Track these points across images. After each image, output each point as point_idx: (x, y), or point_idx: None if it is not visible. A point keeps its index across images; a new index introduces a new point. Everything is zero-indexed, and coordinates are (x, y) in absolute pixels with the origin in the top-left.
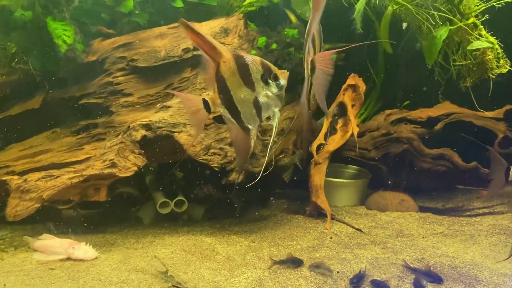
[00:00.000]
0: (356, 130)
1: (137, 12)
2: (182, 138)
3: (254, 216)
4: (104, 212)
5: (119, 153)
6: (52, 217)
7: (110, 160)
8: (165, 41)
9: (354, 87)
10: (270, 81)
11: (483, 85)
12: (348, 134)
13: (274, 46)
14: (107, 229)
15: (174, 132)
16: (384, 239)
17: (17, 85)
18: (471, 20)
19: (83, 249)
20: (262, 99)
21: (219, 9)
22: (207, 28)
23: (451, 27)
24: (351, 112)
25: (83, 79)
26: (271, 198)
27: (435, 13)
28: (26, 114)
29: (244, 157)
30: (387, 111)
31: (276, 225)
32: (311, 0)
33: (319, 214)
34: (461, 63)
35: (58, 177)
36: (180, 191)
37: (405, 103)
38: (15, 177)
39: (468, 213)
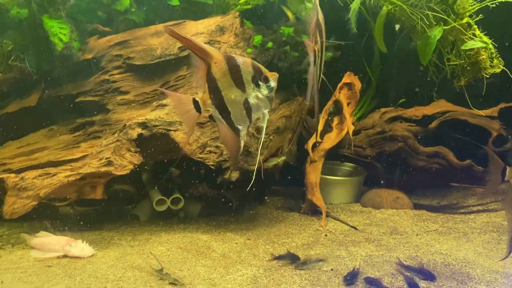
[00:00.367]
0: (351, 128)
1: (133, 10)
2: (178, 136)
3: (249, 214)
4: (100, 209)
5: (115, 151)
6: (49, 214)
7: (106, 158)
8: (161, 39)
9: (349, 85)
10: (260, 83)
11: (476, 84)
12: (344, 132)
13: (270, 44)
14: (103, 227)
15: (170, 130)
16: (379, 236)
17: (13, 83)
18: (465, 20)
19: (79, 247)
20: (252, 101)
21: (215, 7)
22: (203, 26)
23: (446, 27)
24: (347, 110)
25: (80, 77)
26: (266, 198)
27: (429, 13)
28: (22, 112)
29: (235, 156)
30: (383, 109)
31: (272, 223)
32: None
33: (315, 211)
34: (455, 62)
35: (54, 175)
36: (176, 188)
37: (400, 101)
38: (12, 175)
39: (462, 211)
